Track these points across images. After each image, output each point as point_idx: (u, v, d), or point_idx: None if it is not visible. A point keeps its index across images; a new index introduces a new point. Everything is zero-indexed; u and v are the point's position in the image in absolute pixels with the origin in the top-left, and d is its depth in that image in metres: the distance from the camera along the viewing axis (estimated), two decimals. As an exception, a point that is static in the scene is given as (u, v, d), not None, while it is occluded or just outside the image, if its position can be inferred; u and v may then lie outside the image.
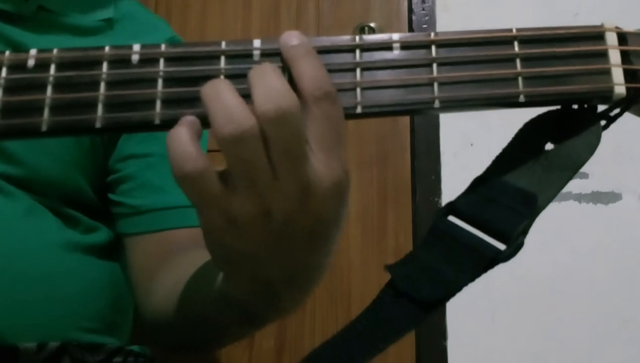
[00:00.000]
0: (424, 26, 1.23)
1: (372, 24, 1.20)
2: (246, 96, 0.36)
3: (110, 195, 0.70)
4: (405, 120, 1.25)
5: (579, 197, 1.23)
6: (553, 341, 1.17)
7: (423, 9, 1.23)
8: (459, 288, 0.34)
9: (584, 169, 0.39)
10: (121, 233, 0.69)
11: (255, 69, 0.35)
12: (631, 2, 1.24)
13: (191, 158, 0.34)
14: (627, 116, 0.41)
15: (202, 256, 0.52)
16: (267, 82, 0.34)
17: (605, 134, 0.39)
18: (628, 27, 0.40)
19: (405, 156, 1.24)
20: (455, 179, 1.21)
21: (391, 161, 1.24)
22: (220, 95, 0.35)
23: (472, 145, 1.23)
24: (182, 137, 0.35)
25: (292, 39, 0.37)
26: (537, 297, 1.19)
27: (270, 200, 0.36)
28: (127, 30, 0.71)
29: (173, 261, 0.62)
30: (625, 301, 1.18)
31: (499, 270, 0.37)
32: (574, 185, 1.23)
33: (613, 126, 0.40)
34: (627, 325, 1.17)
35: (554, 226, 1.19)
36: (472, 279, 0.34)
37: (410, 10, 1.24)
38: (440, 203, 1.19)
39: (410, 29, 1.24)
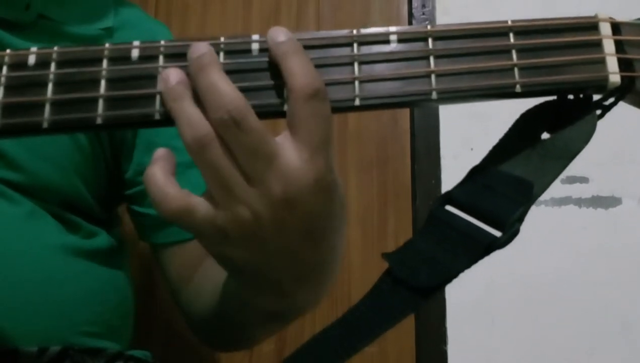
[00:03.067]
0: (424, 30, 1.24)
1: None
2: (247, 90, 0.37)
3: (136, 208, 0.72)
4: (406, 123, 1.25)
5: (579, 202, 1.23)
6: (553, 345, 1.17)
7: (423, 13, 1.24)
8: (455, 274, 0.34)
9: (583, 173, 0.39)
10: (153, 243, 0.71)
11: (201, 76, 0.36)
12: (631, 2, 1.25)
13: (169, 199, 0.36)
14: (627, 120, 0.42)
15: None
16: (214, 88, 0.35)
17: (605, 138, 0.39)
18: (623, 11, 0.40)
19: (406, 159, 1.24)
20: (455, 183, 1.21)
21: (391, 164, 1.24)
22: (182, 106, 0.36)
23: (472, 149, 1.23)
24: (158, 179, 0.37)
25: (279, 34, 0.38)
26: (537, 301, 1.18)
27: (254, 206, 0.36)
28: (126, 37, 0.71)
29: (204, 265, 0.64)
30: (625, 305, 1.17)
31: (499, 274, 0.37)
32: (574, 190, 1.23)
33: (613, 130, 0.40)
34: (627, 328, 1.16)
35: (554, 230, 1.19)
36: (469, 266, 0.34)
37: (411, 14, 1.25)
38: (441, 207, 1.19)
39: (410, 33, 1.24)
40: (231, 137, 0.35)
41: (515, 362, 1.17)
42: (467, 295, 1.15)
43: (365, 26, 0.40)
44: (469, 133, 1.23)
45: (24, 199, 0.60)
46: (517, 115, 0.41)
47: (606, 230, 1.21)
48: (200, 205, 0.37)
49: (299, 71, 0.36)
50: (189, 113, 0.36)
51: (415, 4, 1.24)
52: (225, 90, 0.35)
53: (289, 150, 0.36)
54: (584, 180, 1.22)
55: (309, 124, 0.36)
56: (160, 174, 0.37)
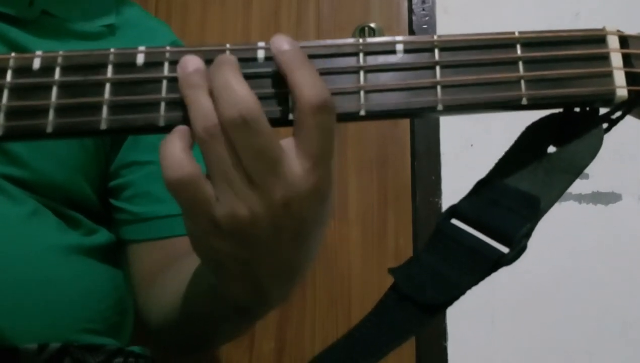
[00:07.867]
0: (424, 27, 1.24)
1: (372, 25, 1.20)
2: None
3: (113, 201, 0.71)
4: (406, 121, 1.25)
5: (579, 198, 1.23)
6: (553, 342, 1.17)
7: (423, 10, 1.23)
8: (462, 292, 0.34)
9: (584, 170, 0.39)
10: (123, 239, 0.70)
11: (218, 73, 0.36)
12: (632, 1, 1.24)
13: (181, 165, 0.36)
14: (628, 117, 0.41)
15: (197, 260, 0.53)
16: (230, 86, 0.36)
17: (605, 135, 0.39)
18: (629, 26, 0.40)
19: (406, 157, 1.24)
20: (455, 180, 1.21)
21: (391, 162, 1.24)
22: (197, 94, 0.37)
23: (472, 146, 1.23)
24: (174, 145, 0.36)
25: (283, 43, 0.38)
26: (537, 298, 1.18)
27: (253, 206, 0.37)
28: (128, 36, 0.72)
29: (172, 267, 0.63)
30: (625, 302, 1.18)
31: (499, 272, 0.37)
32: (574, 186, 1.22)
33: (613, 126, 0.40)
34: (627, 326, 1.17)
35: (554, 227, 1.19)
36: (476, 282, 0.34)
37: (411, 11, 1.24)
38: (441, 205, 1.19)
39: (411, 30, 1.24)
40: (239, 137, 0.35)
41: (515, 359, 1.17)
42: (467, 292, 1.15)
43: (366, 24, 0.40)
44: (469, 130, 1.23)
45: (26, 197, 0.60)
46: (516, 115, 0.41)
47: (606, 226, 1.21)
48: (206, 186, 0.37)
49: (306, 82, 0.36)
50: (202, 102, 0.36)
51: (415, 0, 1.23)
52: (240, 90, 0.36)
53: (292, 158, 0.36)
54: (584, 176, 1.22)
55: (314, 136, 0.36)
56: (177, 142, 0.37)
